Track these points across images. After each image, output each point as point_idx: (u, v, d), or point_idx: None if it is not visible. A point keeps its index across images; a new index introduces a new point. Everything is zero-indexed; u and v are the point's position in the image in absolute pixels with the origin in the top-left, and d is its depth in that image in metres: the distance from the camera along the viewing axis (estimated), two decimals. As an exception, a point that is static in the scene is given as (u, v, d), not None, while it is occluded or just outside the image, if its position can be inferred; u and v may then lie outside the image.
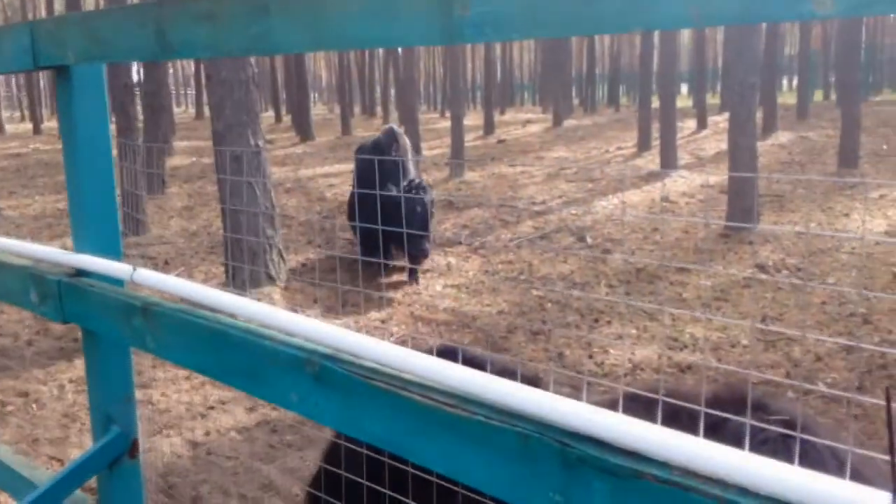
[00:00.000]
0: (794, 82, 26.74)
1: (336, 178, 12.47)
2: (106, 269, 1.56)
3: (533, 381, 1.65)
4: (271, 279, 5.92)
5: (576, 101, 29.77)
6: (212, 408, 3.68)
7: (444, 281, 6.41)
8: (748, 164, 7.75)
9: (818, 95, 23.14)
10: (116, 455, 1.70)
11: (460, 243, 7.50)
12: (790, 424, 1.37)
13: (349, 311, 5.58)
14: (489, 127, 18.91)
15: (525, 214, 8.49)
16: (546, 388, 1.71)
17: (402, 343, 1.23)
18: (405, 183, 6.43)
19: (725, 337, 4.80)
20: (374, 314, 5.53)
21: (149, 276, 1.44)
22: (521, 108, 36.39)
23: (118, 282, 1.60)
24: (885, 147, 12.00)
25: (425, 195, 6.29)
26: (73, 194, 1.73)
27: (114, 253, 1.67)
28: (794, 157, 12.11)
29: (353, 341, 1.13)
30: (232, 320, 1.26)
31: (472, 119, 22.96)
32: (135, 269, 1.46)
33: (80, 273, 1.65)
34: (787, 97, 21.32)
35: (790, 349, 4.57)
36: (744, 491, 0.82)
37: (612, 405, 1.61)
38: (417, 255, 6.24)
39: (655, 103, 13.63)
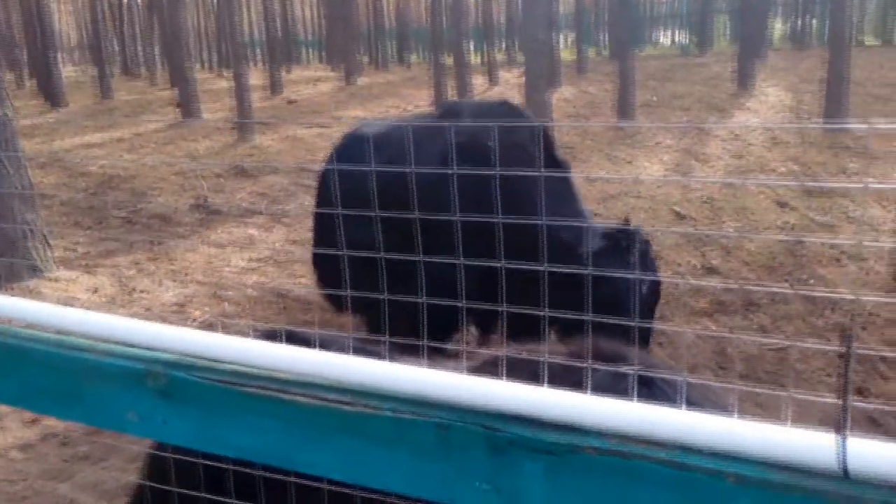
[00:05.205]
0: (570, 40, 28.89)
1: (100, 150, 11.08)
2: None
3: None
4: (36, 270, 5.12)
5: (365, 59, 29.29)
6: (-18, 426, 3.09)
7: (248, 255, 6.00)
8: (544, 116, 8.18)
9: (591, 52, 25.22)
10: None
11: (261, 213, 7.06)
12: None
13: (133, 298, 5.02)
14: (276, 86, 17.89)
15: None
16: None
17: (210, 327, 1.03)
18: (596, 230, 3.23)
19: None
20: (167, 296, 5.01)
21: None
22: (308, 66, 35.00)
23: None
24: (654, 98, 13.38)
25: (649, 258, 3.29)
26: None
27: None
28: (578, 111, 13.06)
29: (207, 343, 0.92)
30: (33, 332, 0.96)
31: (255, 78, 21.51)
32: None
33: None
34: (564, 54, 22.88)
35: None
36: (687, 450, 0.77)
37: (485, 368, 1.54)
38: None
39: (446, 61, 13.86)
